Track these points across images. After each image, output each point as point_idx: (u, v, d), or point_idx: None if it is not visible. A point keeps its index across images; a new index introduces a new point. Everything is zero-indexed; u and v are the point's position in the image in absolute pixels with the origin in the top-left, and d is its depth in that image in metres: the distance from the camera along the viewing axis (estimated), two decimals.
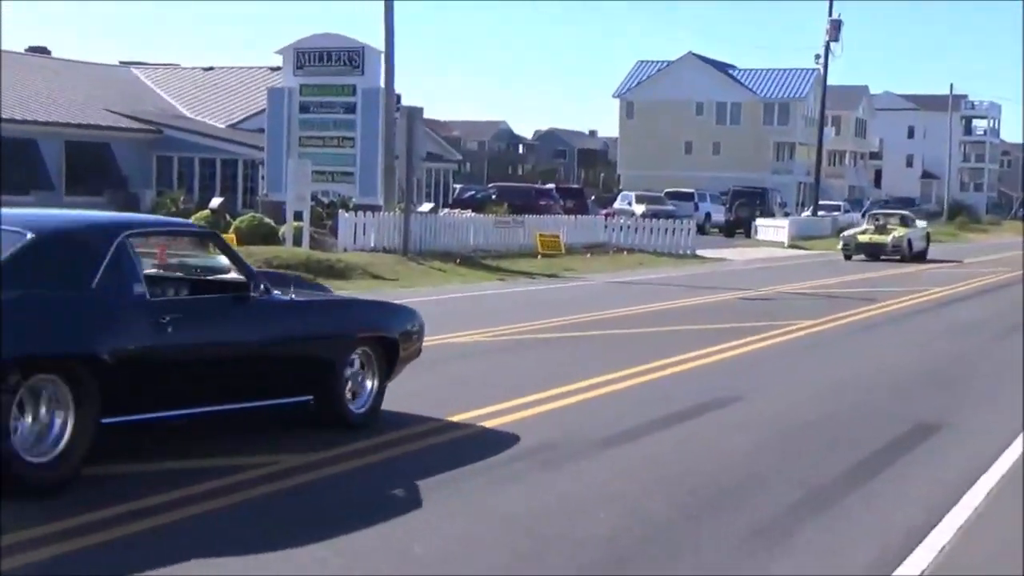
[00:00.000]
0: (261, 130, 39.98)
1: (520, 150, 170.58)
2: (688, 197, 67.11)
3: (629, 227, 43.75)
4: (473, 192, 64.22)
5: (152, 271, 10.15)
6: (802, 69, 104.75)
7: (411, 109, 32.96)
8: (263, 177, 39.20)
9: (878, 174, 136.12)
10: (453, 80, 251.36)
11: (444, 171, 57.92)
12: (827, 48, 66.28)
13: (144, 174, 46.16)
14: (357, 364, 10.51)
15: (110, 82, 52.83)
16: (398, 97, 36.93)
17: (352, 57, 35.75)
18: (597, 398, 12.47)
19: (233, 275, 9.94)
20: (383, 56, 34.92)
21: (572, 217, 43.63)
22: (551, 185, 70.87)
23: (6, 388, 7.65)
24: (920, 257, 43.32)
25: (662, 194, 66.58)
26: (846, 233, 45.34)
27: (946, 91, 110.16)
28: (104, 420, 8.23)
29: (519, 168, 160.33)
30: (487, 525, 7.71)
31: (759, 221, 59.48)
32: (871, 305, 24.30)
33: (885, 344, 18.45)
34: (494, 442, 10.06)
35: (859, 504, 8.52)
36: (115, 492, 7.94)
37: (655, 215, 51.15)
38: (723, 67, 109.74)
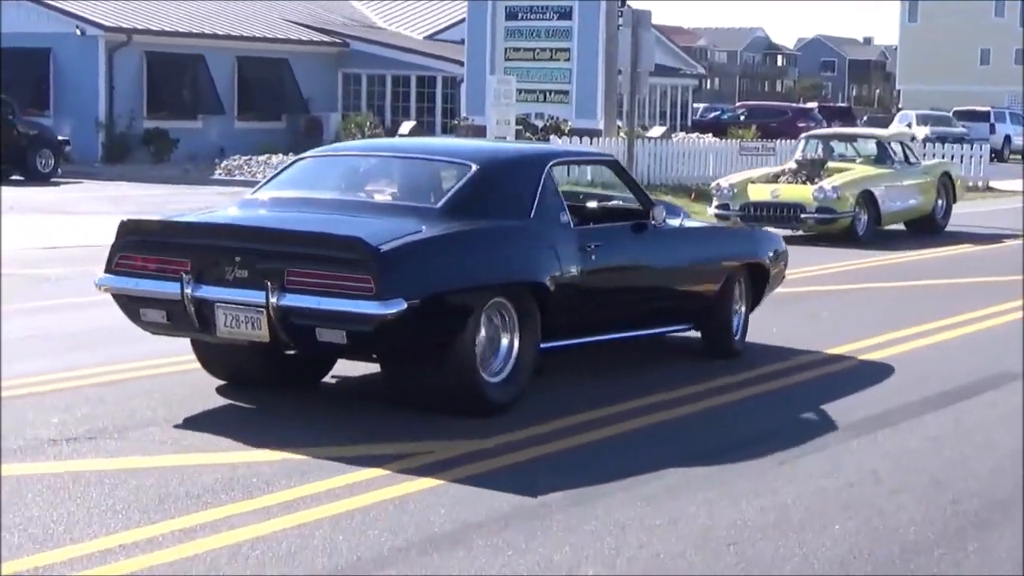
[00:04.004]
0: (463, 41, 39.87)
1: (779, 62, 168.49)
2: (983, 117, 65.54)
3: None
4: (718, 112, 63.65)
5: None
6: None
7: (637, 12, 32.40)
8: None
9: None
10: None
11: (683, 88, 57.10)
12: None
13: (328, 95, 46.56)
14: (736, 292, 12.22)
15: None
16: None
17: None
18: (848, 370, 11.93)
19: (619, 203, 12.17)
20: None
21: None
22: (813, 104, 69.71)
23: (472, 312, 9.37)
24: (928, 227, 25.58)
25: (950, 113, 64.98)
26: (726, 180, 24.91)
27: None
28: (541, 345, 10.00)
29: (777, 84, 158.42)
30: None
31: None
32: None
33: None
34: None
35: None
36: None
37: (940, 139, 49.63)
38: None
